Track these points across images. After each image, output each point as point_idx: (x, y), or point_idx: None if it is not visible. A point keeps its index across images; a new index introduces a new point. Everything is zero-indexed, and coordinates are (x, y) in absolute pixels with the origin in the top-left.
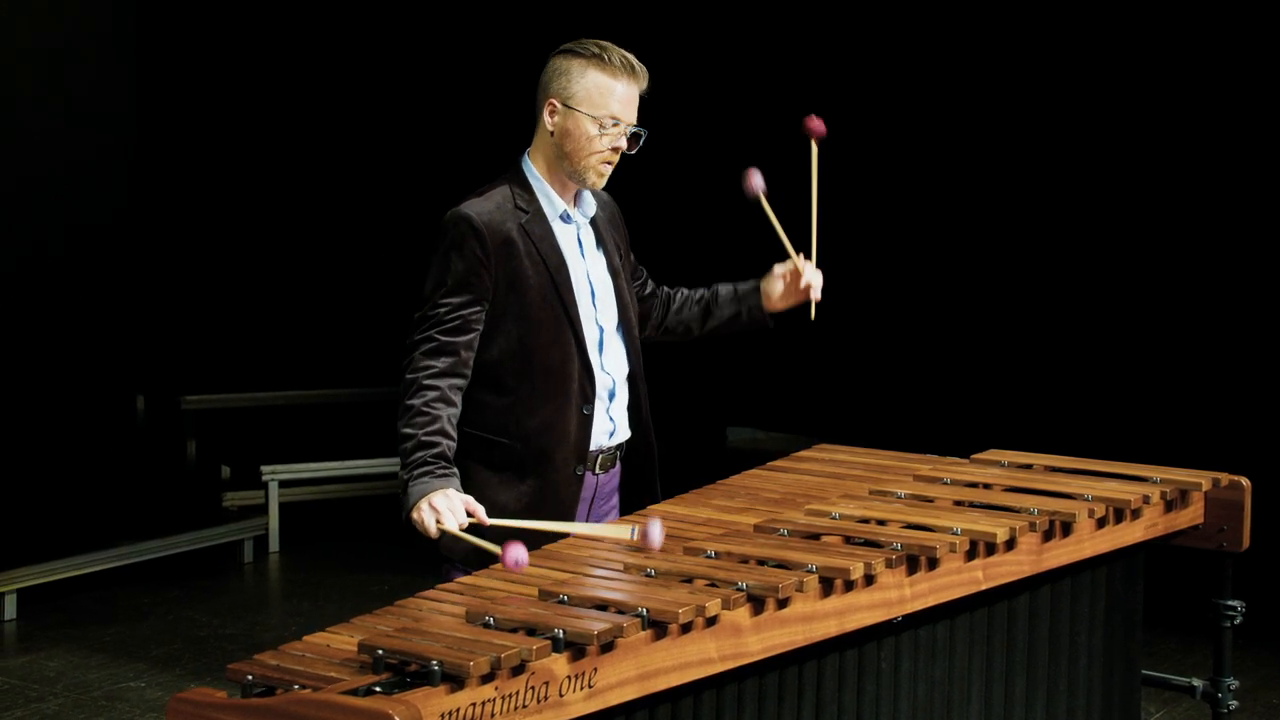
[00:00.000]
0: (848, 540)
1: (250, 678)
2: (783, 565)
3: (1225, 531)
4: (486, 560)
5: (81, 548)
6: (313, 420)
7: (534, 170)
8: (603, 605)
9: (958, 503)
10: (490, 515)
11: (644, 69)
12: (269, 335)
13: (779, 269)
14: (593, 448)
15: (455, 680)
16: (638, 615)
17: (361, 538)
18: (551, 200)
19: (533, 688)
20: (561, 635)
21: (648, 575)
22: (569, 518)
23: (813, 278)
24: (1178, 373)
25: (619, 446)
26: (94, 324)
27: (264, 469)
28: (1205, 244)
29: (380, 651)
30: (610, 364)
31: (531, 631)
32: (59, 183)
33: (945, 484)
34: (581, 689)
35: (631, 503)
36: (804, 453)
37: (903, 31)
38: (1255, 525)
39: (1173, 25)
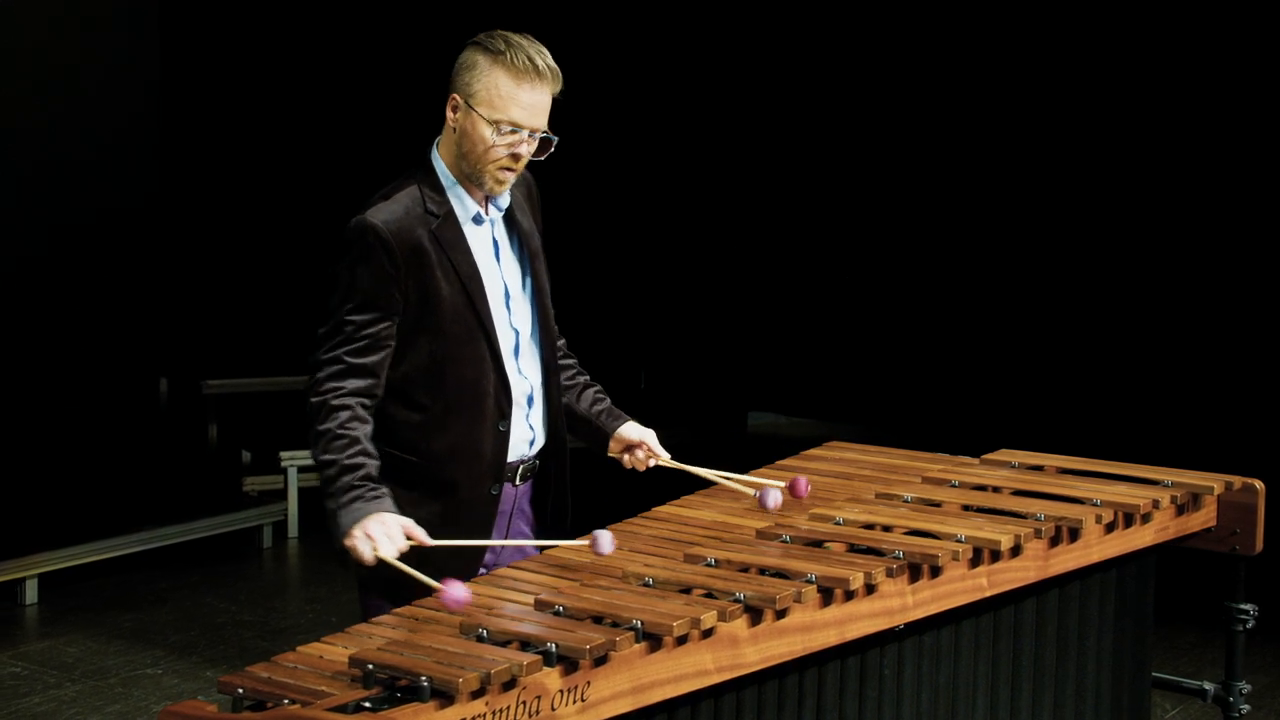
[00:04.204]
0: (851, 547)
1: (241, 690)
2: (782, 574)
3: (1238, 535)
4: (418, 591)
5: (102, 533)
6: None
7: (443, 167)
8: (599, 617)
9: (965, 507)
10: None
11: (554, 70)
12: (291, 320)
13: (629, 434)
14: (512, 458)
15: (445, 696)
16: (631, 628)
17: None
18: (464, 202)
19: (524, 703)
20: (554, 649)
21: (645, 585)
22: (484, 536)
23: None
24: (1194, 374)
25: (539, 454)
26: (118, 307)
27: (284, 454)
28: (1221, 246)
29: (370, 666)
30: (527, 367)
31: (525, 645)
32: (84, 168)
33: (953, 486)
34: (574, 703)
35: (543, 513)
36: (814, 451)
37: (914, 31)
38: (1269, 528)
39: (1175, 25)
